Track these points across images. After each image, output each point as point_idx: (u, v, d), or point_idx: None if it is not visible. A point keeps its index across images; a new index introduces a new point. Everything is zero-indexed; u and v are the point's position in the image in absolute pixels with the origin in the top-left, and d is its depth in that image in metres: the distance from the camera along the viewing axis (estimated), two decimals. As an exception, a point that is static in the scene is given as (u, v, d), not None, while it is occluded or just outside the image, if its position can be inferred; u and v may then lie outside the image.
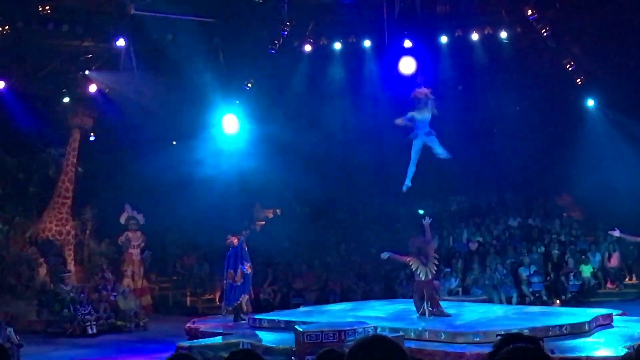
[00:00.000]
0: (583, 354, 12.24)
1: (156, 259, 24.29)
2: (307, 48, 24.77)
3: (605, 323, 14.53)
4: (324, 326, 13.37)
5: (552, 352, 10.48)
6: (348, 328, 12.88)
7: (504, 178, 26.90)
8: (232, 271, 17.65)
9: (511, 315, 15.50)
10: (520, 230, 25.70)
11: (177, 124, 25.67)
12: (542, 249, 24.23)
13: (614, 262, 23.40)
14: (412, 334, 13.74)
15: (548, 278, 23.02)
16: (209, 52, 22.83)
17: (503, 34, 24.16)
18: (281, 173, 28.76)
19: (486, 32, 24.26)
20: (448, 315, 15.05)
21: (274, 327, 15.64)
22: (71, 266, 22.09)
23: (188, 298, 23.95)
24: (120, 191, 24.43)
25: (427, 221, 16.11)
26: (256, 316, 16.59)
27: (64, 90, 23.56)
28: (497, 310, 16.42)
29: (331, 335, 12.58)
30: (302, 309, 18.94)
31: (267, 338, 14.52)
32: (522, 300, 21.61)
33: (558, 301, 21.97)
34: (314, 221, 27.57)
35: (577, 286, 22.50)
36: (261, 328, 15.84)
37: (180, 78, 23.21)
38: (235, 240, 17.77)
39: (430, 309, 15.08)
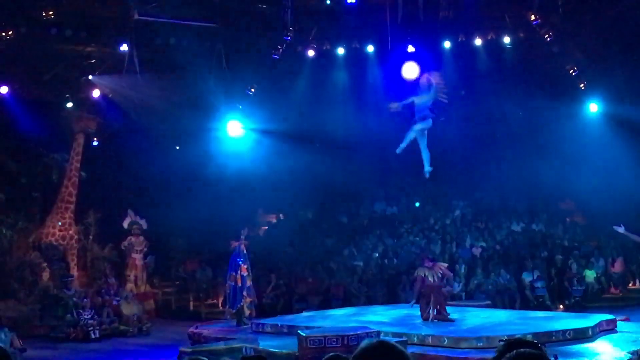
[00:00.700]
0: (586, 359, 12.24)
1: (159, 264, 24.29)
2: (310, 53, 24.78)
3: (608, 328, 14.53)
4: (327, 331, 13.38)
5: (555, 357, 10.46)
6: (351, 333, 12.88)
7: (507, 183, 26.87)
8: (234, 273, 17.71)
9: (515, 320, 15.50)
10: (524, 235, 25.67)
11: (180, 129, 25.70)
12: (546, 254, 24.20)
13: (618, 267, 23.37)
14: (415, 339, 13.75)
15: (551, 283, 22.99)
16: (212, 57, 22.85)
17: (506, 39, 24.16)
18: (284, 178, 28.80)
19: (489, 37, 24.27)
20: (452, 321, 15.05)
21: (276, 332, 15.65)
22: (74, 271, 22.10)
23: (191, 303, 23.94)
24: (123, 196, 24.45)
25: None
26: (259, 321, 16.59)
27: (67, 95, 23.58)
28: (501, 316, 16.41)
29: (334, 340, 12.59)
30: (305, 313, 18.94)
31: (270, 343, 14.51)
32: (525, 305, 21.57)
33: (561, 306, 21.95)
34: (317, 226, 27.58)
35: (580, 291, 22.47)
36: (264, 333, 15.86)
37: (183, 83, 23.25)
38: (235, 244, 17.84)
39: (435, 313, 15.09)
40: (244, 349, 14.05)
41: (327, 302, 22.59)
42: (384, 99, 25.04)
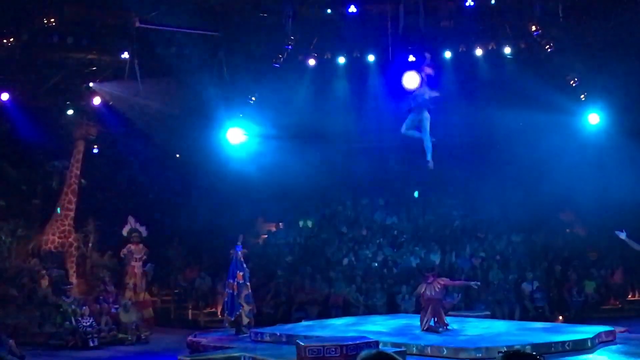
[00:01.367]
0: (586, 371, 12.23)
1: (158, 272, 24.27)
2: (311, 62, 24.82)
3: (608, 340, 14.50)
4: (326, 341, 13.35)
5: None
6: (350, 343, 12.86)
7: (507, 193, 26.86)
8: (231, 281, 17.72)
9: (514, 331, 15.47)
10: (524, 245, 25.66)
11: (181, 137, 25.71)
12: (545, 264, 24.20)
13: (617, 278, 23.35)
14: (414, 349, 13.73)
15: (551, 294, 22.97)
16: (213, 65, 22.88)
17: (507, 50, 24.21)
18: (284, 187, 28.80)
19: (490, 47, 24.31)
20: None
21: (275, 341, 15.62)
22: (73, 278, 22.08)
23: (190, 311, 23.90)
24: (123, 204, 24.45)
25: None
26: (258, 330, 16.56)
27: (68, 102, 23.61)
28: (500, 326, 16.39)
29: (333, 349, 12.57)
30: (304, 323, 18.92)
31: (269, 352, 14.49)
32: (524, 316, 21.55)
33: (561, 317, 21.91)
34: (317, 235, 27.56)
35: (580, 302, 22.45)
36: (263, 342, 15.83)
37: (184, 91, 23.27)
38: (233, 251, 17.89)
39: (433, 324, 15.08)
40: (242, 358, 14.04)
41: (326, 312, 22.56)
42: (385, 108, 25.15)
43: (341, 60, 25.03)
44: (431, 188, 28.73)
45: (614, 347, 14.24)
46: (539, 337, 14.27)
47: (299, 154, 27.82)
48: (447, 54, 23.81)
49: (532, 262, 24.25)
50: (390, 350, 13.30)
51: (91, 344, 19.19)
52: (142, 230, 22.94)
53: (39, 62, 22.17)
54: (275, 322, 21.13)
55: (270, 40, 23.24)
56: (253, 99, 25.23)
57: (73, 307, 20.06)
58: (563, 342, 13.59)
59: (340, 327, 16.78)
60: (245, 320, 17.41)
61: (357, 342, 13.03)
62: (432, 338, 14.45)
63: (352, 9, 22.68)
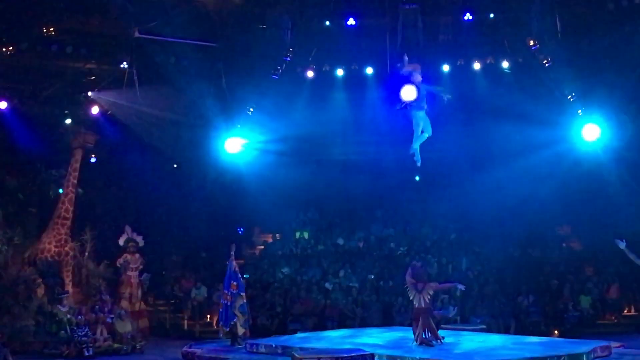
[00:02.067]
0: (581, 386, 12.24)
1: (154, 282, 24.24)
2: (310, 74, 24.86)
3: (603, 355, 14.51)
4: (322, 352, 13.35)
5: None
6: (345, 355, 12.86)
7: (504, 207, 26.88)
8: (226, 291, 17.73)
9: (509, 345, 15.47)
10: (520, 259, 25.68)
11: (178, 147, 25.74)
12: (541, 278, 24.22)
13: (613, 293, 23.37)
14: (409, 362, 13.73)
15: (546, 308, 22.98)
16: (211, 76, 22.92)
17: (505, 64, 24.27)
18: (281, 198, 28.82)
19: (488, 61, 24.35)
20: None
21: (270, 352, 15.62)
22: (69, 287, 22.02)
23: (185, 322, 23.88)
24: (120, 213, 24.44)
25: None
26: (253, 341, 16.55)
27: (66, 111, 23.63)
28: (496, 340, 16.39)
29: (328, 361, 12.57)
30: (299, 334, 18.91)
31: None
32: (520, 330, 21.53)
33: (556, 331, 21.91)
34: (313, 246, 27.57)
35: (575, 317, 22.46)
36: (258, 353, 15.82)
37: (182, 101, 23.30)
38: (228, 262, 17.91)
39: (424, 337, 15.04)
40: (237, 369, 14.03)
41: (322, 324, 22.56)
42: (382, 121, 25.20)
43: (339, 72, 25.05)
44: (427, 201, 28.78)
45: (609, 362, 14.27)
46: (535, 351, 14.28)
47: (296, 165, 27.87)
48: (445, 68, 23.84)
49: (527, 276, 24.28)
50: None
51: (86, 354, 19.11)
52: (139, 239, 22.91)
53: (38, 71, 22.19)
54: (270, 333, 21.14)
55: (269, 52, 23.28)
56: (251, 109, 25.27)
57: (68, 316, 20.03)
58: (558, 356, 13.59)
59: (335, 339, 16.76)
60: (241, 331, 17.40)
61: (353, 354, 13.05)
62: (428, 351, 14.44)
63: (351, 21, 22.77)
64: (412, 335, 15.49)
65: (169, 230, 26.01)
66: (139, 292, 22.85)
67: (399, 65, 17.22)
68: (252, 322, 19.22)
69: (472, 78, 24.41)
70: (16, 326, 19.76)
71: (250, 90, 24.66)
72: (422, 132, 16.98)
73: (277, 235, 28.77)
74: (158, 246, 24.84)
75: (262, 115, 25.44)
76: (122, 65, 21.76)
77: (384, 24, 21.92)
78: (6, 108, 22.69)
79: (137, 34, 20.51)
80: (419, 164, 16.93)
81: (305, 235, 28.50)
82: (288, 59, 23.92)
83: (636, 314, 23.11)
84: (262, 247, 28.38)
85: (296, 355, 13.06)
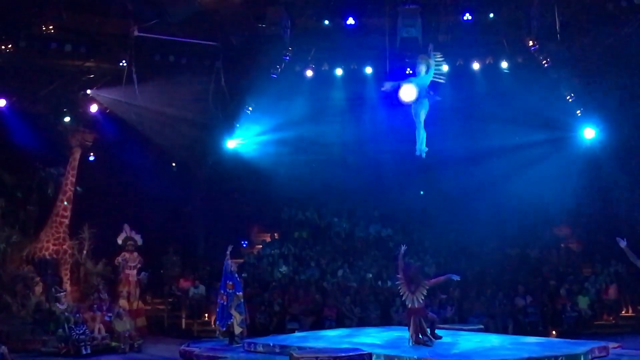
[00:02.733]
0: (578, 386, 12.23)
1: (152, 281, 24.24)
2: (309, 73, 24.87)
3: (601, 355, 14.49)
4: (319, 352, 13.34)
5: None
6: (343, 354, 12.85)
7: (503, 207, 26.90)
8: (222, 291, 17.71)
9: (507, 345, 15.45)
10: (518, 260, 25.69)
11: (177, 146, 25.74)
12: (539, 279, 24.22)
13: (611, 294, 23.37)
14: (407, 361, 13.72)
15: (544, 308, 22.98)
16: (210, 75, 22.92)
17: (504, 64, 24.28)
18: (279, 197, 28.86)
19: (487, 61, 24.38)
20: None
21: (268, 351, 15.59)
22: (67, 286, 22.03)
23: (183, 320, 23.87)
24: (118, 212, 24.43)
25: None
26: (251, 340, 16.54)
27: (65, 109, 23.61)
28: (493, 340, 16.37)
29: (326, 361, 12.57)
30: (297, 334, 18.90)
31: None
32: (518, 330, 21.52)
33: (554, 332, 21.91)
34: (311, 246, 27.57)
35: (573, 317, 22.46)
36: (256, 352, 15.79)
37: (181, 100, 23.28)
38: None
39: (419, 337, 15.01)
40: (235, 368, 14.02)
41: (320, 323, 22.56)
42: (381, 120, 25.22)
43: (339, 71, 25.09)
44: (426, 200, 28.81)
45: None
46: (532, 351, 14.25)
47: (295, 164, 27.89)
48: (444, 68, 23.82)
49: (526, 276, 24.28)
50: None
51: (84, 352, 19.12)
52: (137, 238, 22.91)
53: (37, 69, 22.16)
54: (268, 332, 21.13)
55: (268, 51, 23.28)
56: (250, 109, 25.28)
57: (66, 314, 20.02)
58: (556, 357, 13.58)
59: (333, 338, 16.74)
60: (238, 330, 17.35)
61: (351, 353, 13.03)
62: (425, 351, 14.42)
63: (350, 21, 22.78)
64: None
65: (167, 229, 25.98)
66: (137, 290, 22.85)
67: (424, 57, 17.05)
68: (250, 321, 19.21)
69: (471, 78, 24.41)
70: (14, 324, 19.76)
71: (250, 89, 24.68)
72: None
73: (275, 234, 28.78)
74: (156, 245, 24.82)
75: (261, 114, 25.48)
76: (120, 64, 21.72)
77: (383, 24, 21.90)
78: (5, 106, 22.71)
79: (136, 33, 20.48)
80: (423, 155, 16.80)
81: (304, 234, 28.51)
82: (287, 58, 23.94)
83: (634, 314, 23.10)
84: (261, 246, 28.38)
85: (294, 354, 13.05)
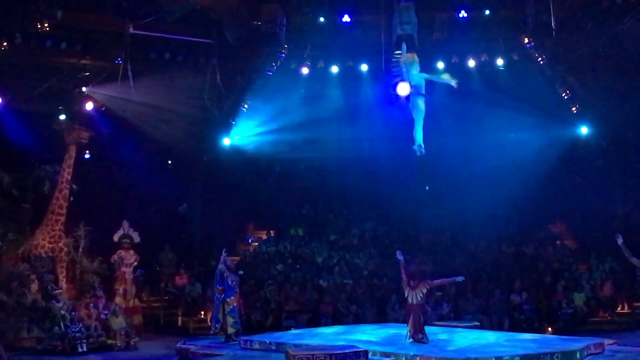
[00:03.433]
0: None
1: (148, 278, 24.25)
2: (305, 71, 24.85)
3: (596, 352, 14.53)
4: (315, 349, 13.35)
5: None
6: (339, 352, 12.86)
7: (498, 205, 26.92)
8: (217, 296, 17.72)
9: (503, 342, 15.47)
10: (514, 257, 25.72)
11: (173, 143, 25.72)
12: (535, 276, 24.25)
13: (607, 290, 23.42)
14: (403, 359, 13.73)
15: (540, 305, 23.01)
16: (206, 72, 22.90)
17: (499, 61, 24.29)
18: (275, 194, 28.85)
19: (483, 59, 24.38)
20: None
21: (265, 349, 15.60)
22: (63, 283, 22.00)
23: (179, 318, 23.87)
24: (114, 209, 24.41)
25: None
26: (247, 338, 16.55)
27: (60, 107, 23.57)
28: (489, 337, 16.39)
29: (322, 358, 12.57)
30: (293, 331, 18.91)
31: (258, 360, 14.50)
32: (513, 327, 21.55)
33: (550, 328, 21.95)
34: (307, 243, 27.58)
35: (569, 314, 22.49)
36: (252, 349, 15.81)
37: (177, 98, 23.25)
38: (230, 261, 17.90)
39: (417, 335, 15.03)
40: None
41: (316, 320, 22.57)
42: (377, 117, 25.20)
43: (334, 69, 25.08)
44: (422, 198, 28.81)
45: (602, 359, 14.28)
46: (528, 348, 14.29)
47: (291, 161, 27.89)
48: (440, 65, 23.85)
49: (521, 273, 24.30)
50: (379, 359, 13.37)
51: (80, 350, 19.12)
52: (135, 235, 22.92)
53: (32, 67, 22.12)
54: (264, 329, 21.15)
55: (264, 48, 23.27)
56: (246, 106, 25.27)
57: (62, 312, 20.01)
58: (552, 354, 13.60)
59: (329, 335, 16.77)
60: (231, 330, 17.36)
61: (347, 351, 13.04)
62: (421, 348, 14.45)
63: (346, 18, 22.76)
64: (406, 331, 15.50)
65: (163, 227, 25.97)
66: (133, 288, 22.87)
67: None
68: (246, 319, 19.15)
69: (466, 75, 24.41)
70: (10, 322, 19.72)
71: (245, 87, 24.68)
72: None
73: (271, 231, 28.79)
74: (152, 242, 24.81)
75: (257, 111, 25.47)
76: (116, 61, 21.69)
77: (379, 21, 21.88)
78: (0, 104, 22.64)
79: (131, 30, 20.45)
80: (423, 152, 16.75)
81: (300, 231, 28.52)
82: (283, 55, 23.93)
83: (629, 311, 23.15)
84: (257, 243, 28.38)
85: (290, 351, 13.06)
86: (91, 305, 20.83)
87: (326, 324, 21.35)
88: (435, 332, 16.41)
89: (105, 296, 21.45)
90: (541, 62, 23.43)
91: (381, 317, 22.28)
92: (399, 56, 16.91)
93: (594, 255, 24.91)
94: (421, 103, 16.56)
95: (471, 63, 24.29)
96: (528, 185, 26.44)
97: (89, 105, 23.30)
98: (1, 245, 21.82)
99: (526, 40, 23.08)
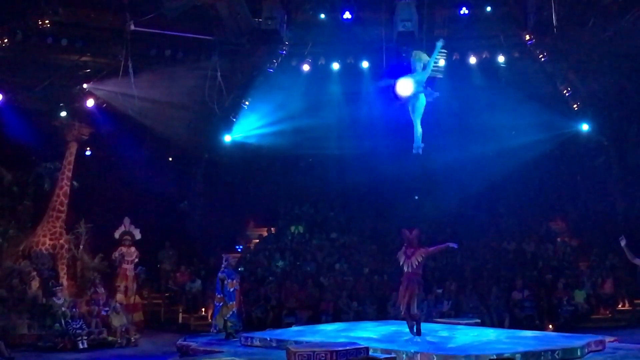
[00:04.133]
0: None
1: (149, 275, 24.24)
2: (305, 68, 24.85)
3: (597, 349, 14.52)
4: (316, 346, 13.35)
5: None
6: (340, 349, 12.86)
7: (499, 202, 26.91)
8: (217, 294, 17.73)
9: (503, 339, 15.47)
10: (514, 254, 25.70)
11: (174, 140, 25.72)
12: (535, 273, 24.24)
13: (608, 288, 23.40)
14: (404, 356, 13.71)
15: (541, 302, 22.99)
16: (207, 69, 22.89)
17: (501, 58, 24.27)
18: (276, 191, 28.84)
19: (484, 56, 24.37)
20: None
21: (265, 345, 15.60)
22: (64, 280, 22.00)
23: (180, 315, 23.88)
24: (115, 206, 24.41)
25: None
26: (248, 334, 16.55)
27: (61, 104, 23.58)
28: (490, 334, 16.40)
29: (322, 355, 12.56)
30: (294, 328, 18.91)
31: (259, 357, 14.48)
32: (514, 324, 21.55)
33: (550, 326, 21.93)
34: (308, 240, 27.57)
35: (569, 311, 22.47)
36: (253, 346, 15.81)
37: (177, 95, 23.25)
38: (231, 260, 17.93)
39: (405, 310, 15.03)
40: (232, 363, 14.01)
41: (317, 317, 22.56)
42: (378, 114, 25.19)
43: (335, 66, 25.07)
44: (423, 194, 28.80)
45: (603, 356, 14.28)
46: (529, 345, 14.28)
47: (292, 158, 27.88)
48: (441, 62, 23.81)
49: (522, 270, 24.28)
50: (380, 356, 13.35)
51: (80, 346, 19.12)
52: (136, 232, 22.91)
53: (32, 64, 22.13)
54: (265, 326, 21.15)
55: (265, 45, 23.26)
56: (247, 103, 25.26)
57: (63, 309, 20.01)
58: (553, 351, 13.61)
59: (330, 332, 16.77)
60: (231, 330, 17.37)
61: (348, 348, 13.03)
62: (422, 345, 14.45)
63: (347, 15, 22.76)
64: (407, 329, 15.50)
65: (163, 224, 25.97)
66: (134, 285, 22.86)
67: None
68: (247, 316, 19.11)
69: (467, 72, 24.41)
70: (11, 319, 19.73)
71: (246, 84, 24.67)
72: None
73: (272, 228, 28.78)
74: (153, 239, 24.81)
75: (257, 108, 25.46)
76: (117, 58, 21.68)
77: (380, 18, 21.89)
78: (1, 101, 22.65)
79: (132, 27, 20.44)
80: (420, 152, 16.75)
81: (300, 229, 28.52)
82: (284, 52, 23.93)
83: (630, 308, 23.14)
84: (257, 240, 28.38)
85: (291, 348, 13.05)
86: (92, 302, 20.82)
87: (327, 321, 21.33)
88: (436, 329, 16.42)
89: (106, 293, 21.44)
90: (542, 59, 23.41)
91: (382, 314, 22.27)
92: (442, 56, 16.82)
93: (595, 252, 24.90)
94: (422, 101, 16.54)
95: (472, 60, 24.28)
96: (529, 183, 26.43)
97: (90, 102, 23.31)
98: (2, 242, 21.84)
99: (527, 37, 23.08)
